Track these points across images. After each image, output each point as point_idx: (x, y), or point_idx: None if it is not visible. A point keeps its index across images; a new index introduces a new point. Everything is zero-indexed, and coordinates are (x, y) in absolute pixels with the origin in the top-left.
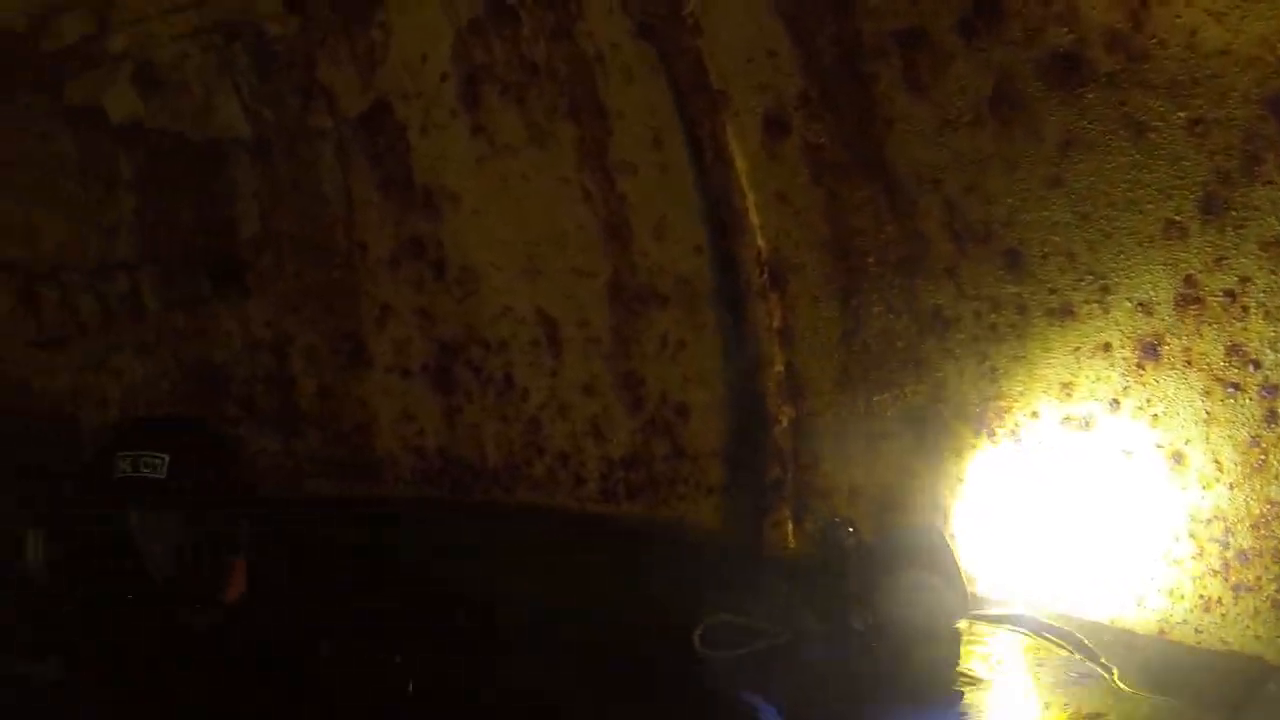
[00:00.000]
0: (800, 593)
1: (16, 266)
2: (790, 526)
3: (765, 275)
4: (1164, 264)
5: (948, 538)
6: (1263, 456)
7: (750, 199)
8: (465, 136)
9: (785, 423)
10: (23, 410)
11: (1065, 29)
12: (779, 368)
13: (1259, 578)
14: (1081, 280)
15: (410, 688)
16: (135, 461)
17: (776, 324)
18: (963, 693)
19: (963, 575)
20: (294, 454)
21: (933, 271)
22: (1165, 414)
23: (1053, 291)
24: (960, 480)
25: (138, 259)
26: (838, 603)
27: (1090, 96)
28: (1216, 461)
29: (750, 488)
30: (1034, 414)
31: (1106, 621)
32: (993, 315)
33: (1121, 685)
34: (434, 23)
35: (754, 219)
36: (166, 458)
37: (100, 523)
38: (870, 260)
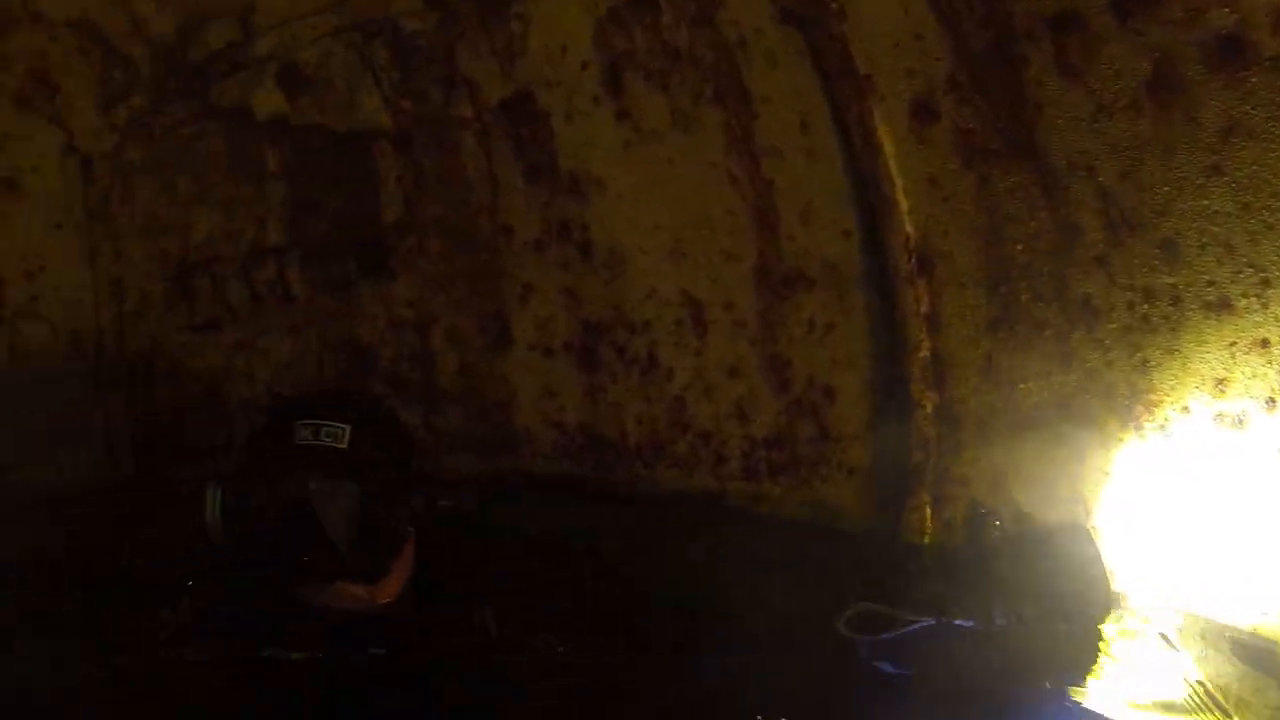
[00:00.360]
0: (945, 582)
1: (171, 258)
2: (929, 512)
3: (913, 260)
4: None
5: (1091, 532)
6: None
7: (899, 184)
8: (610, 123)
9: (929, 408)
10: (176, 389)
11: (1228, 9)
12: (925, 353)
13: None
14: (1240, 273)
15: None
16: (316, 430)
17: (924, 309)
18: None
19: (1107, 573)
20: (434, 429)
21: (1083, 260)
22: None
23: (1210, 284)
24: (1105, 473)
25: (285, 245)
26: (981, 593)
27: (1254, 80)
28: None
29: (892, 472)
30: (1185, 409)
31: (1248, 629)
32: (1145, 306)
33: None
34: (572, 13)
35: (903, 204)
36: (348, 428)
37: (279, 487)
38: (1020, 248)
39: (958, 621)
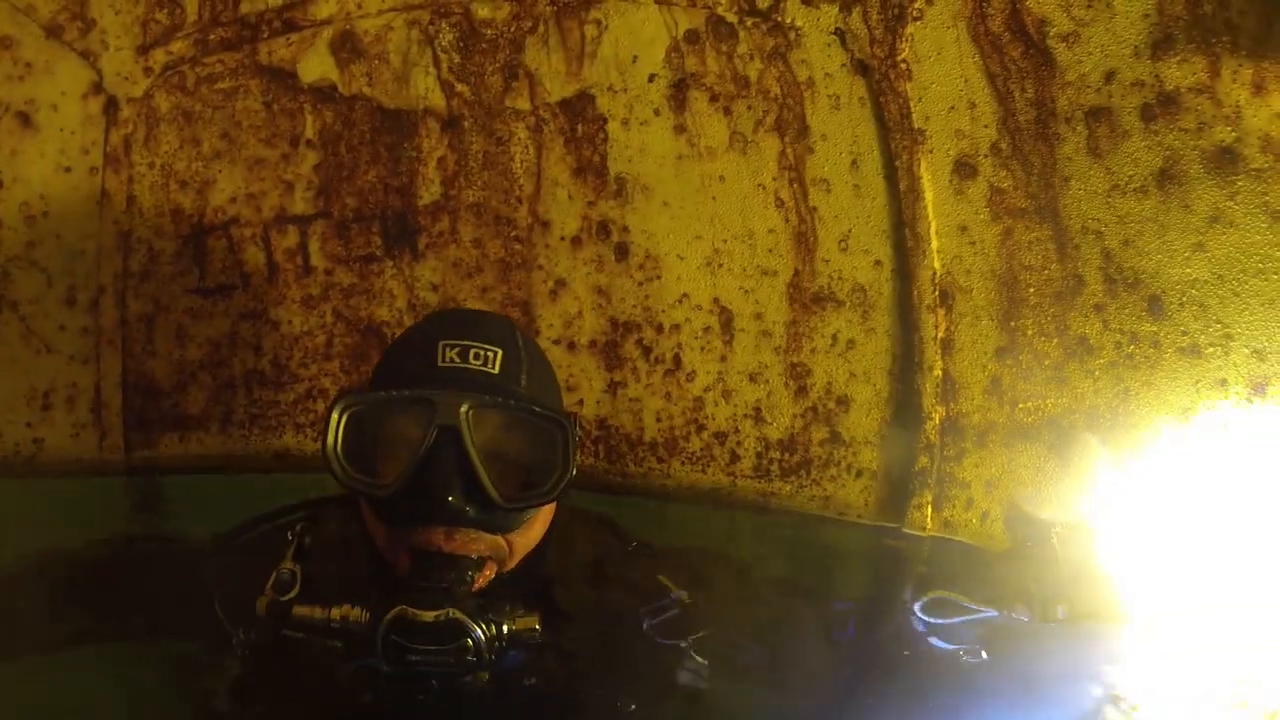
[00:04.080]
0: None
1: (186, 216)
2: (930, 511)
3: (936, 292)
4: (1279, 322)
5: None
6: None
7: (933, 226)
8: (666, 135)
9: (936, 420)
10: (178, 354)
11: (1230, 127)
12: (937, 373)
13: None
14: (1209, 327)
15: None
16: (464, 352)
17: (940, 335)
18: None
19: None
20: None
21: (1084, 307)
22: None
23: (1184, 334)
24: (1086, 481)
25: (311, 215)
26: (1042, 592)
27: (1239, 183)
28: None
29: (897, 474)
30: (1156, 431)
31: None
32: (1131, 347)
33: None
34: (650, 28)
35: (934, 244)
36: (499, 353)
37: (420, 415)
38: (1031, 291)
39: (1016, 614)
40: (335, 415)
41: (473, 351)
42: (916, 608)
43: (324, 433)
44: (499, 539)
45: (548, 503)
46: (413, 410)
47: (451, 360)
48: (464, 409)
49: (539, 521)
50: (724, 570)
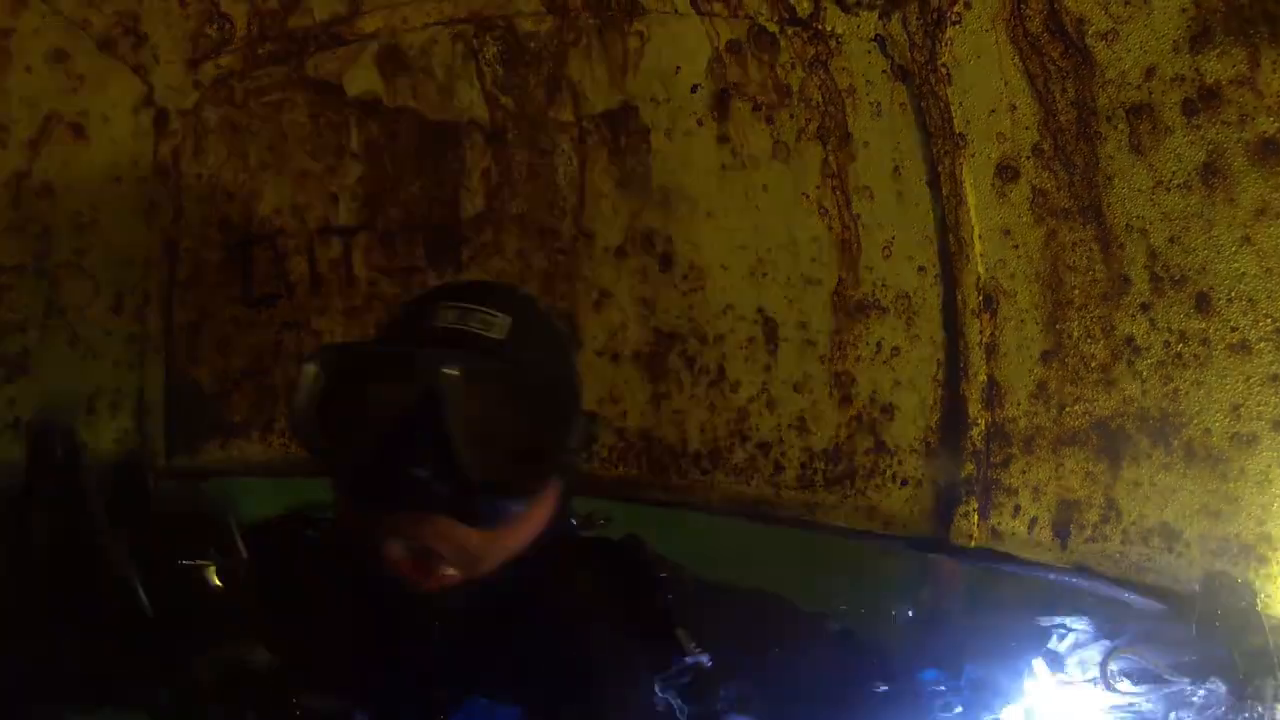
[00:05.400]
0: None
1: (233, 227)
2: (976, 519)
3: (980, 297)
4: None
5: None
6: None
7: (976, 231)
8: (709, 145)
9: (982, 425)
10: (221, 362)
11: (1272, 119)
12: (982, 378)
13: None
14: (1259, 322)
15: None
16: (464, 314)
17: (985, 340)
18: None
19: None
20: None
21: (1130, 306)
22: None
23: (1233, 330)
24: (1136, 484)
25: (355, 226)
26: (1246, 664)
27: None
28: None
29: (943, 482)
30: (1206, 430)
31: None
32: (1179, 346)
33: None
34: (692, 39)
35: (977, 248)
36: (508, 319)
37: (399, 374)
38: (1076, 292)
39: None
40: (308, 370)
41: (475, 315)
42: (1109, 669)
43: (291, 390)
44: (470, 538)
45: (535, 490)
46: (392, 370)
47: (448, 321)
48: (447, 371)
49: (526, 527)
50: (771, 616)
